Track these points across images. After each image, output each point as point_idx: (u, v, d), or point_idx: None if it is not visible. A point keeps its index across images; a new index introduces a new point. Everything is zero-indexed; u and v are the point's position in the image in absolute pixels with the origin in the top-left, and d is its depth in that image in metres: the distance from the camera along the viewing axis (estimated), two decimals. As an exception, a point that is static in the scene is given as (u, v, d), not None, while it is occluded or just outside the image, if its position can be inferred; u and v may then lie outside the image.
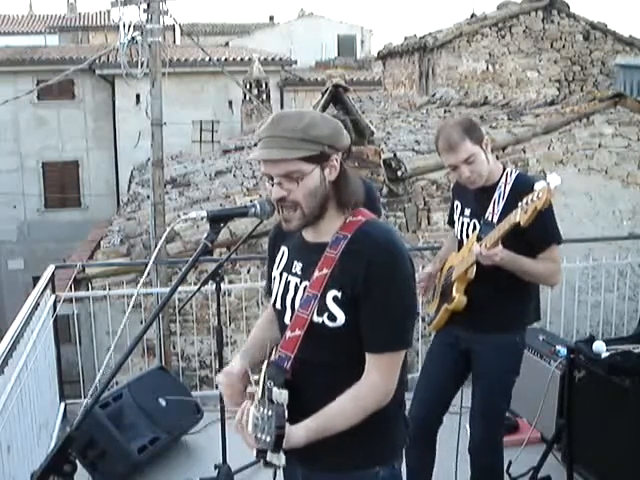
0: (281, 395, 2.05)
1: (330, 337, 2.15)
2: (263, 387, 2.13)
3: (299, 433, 2.05)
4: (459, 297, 3.45)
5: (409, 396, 3.63)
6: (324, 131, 2.12)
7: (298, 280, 2.23)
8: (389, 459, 2.28)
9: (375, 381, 2.12)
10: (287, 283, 2.26)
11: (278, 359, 2.19)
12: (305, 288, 2.19)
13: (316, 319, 2.14)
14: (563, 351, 4.64)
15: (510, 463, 4.23)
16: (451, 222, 3.81)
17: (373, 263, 2.09)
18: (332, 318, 2.13)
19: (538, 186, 3.07)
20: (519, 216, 3.11)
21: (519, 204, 3.12)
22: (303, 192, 2.12)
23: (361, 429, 2.13)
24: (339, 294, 2.12)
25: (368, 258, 2.10)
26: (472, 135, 3.34)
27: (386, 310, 2.10)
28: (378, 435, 2.20)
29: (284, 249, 2.34)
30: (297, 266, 2.25)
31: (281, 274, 2.31)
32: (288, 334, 2.19)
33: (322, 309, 2.14)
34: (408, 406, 3.48)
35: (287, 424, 2.02)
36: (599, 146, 9.48)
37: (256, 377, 2.18)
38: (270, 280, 2.40)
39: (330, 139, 2.12)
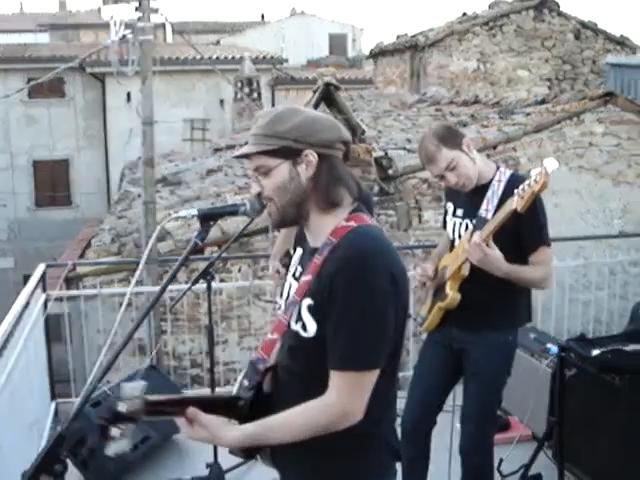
0: (134, 389, 1.96)
1: (302, 347, 2.08)
2: (240, 384, 2.15)
3: (234, 434, 2.03)
4: (453, 294, 3.44)
5: (402, 394, 3.65)
6: (287, 125, 2.08)
7: (296, 284, 2.19)
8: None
9: (329, 400, 2.00)
10: (289, 286, 2.23)
11: (256, 360, 2.18)
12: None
13: (293, 326, 2.10)
14: (554, 349, 4.65)
15: (501, 461, 4.24)
16: (445, 225, 3.79)
17: (339, 273, 1.98)
18: (304, 327, 2.06)
19: (534, 172, 3.06)
20: (515, 203, 3.09)
21: (515, 191, 3.11)
22: (272, 187, 2.10)
23: (324, 446, 2.05)
24: (312, 303, 2.05)
25: (336, 267, 1.99)
26: (448, 141, 3.35)
27: (347, 325, 1.97)
28: (343, 454, 2.10)
29: (300, 251, 2.29)
30: (298, 270, 2.22)
31: (288, 276, 2.29)
32: (268, 336, 2.18)
33: (298, 317, 2.09)
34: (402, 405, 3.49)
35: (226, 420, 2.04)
36: (590, 145, 9.51)
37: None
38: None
39: (296, 132, 2.08)
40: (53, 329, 5.95)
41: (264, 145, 2.09)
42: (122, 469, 4.53)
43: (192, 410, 2.02)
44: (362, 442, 2.10)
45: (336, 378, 2.00)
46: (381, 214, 8.74)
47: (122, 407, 1.91)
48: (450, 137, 3.39)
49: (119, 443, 1.94)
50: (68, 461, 1.97)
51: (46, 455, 1.93)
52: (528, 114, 10.42)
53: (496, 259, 3.24)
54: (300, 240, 2.30)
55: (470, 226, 3.46)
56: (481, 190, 3.42)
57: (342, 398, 1.99)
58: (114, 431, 1.93)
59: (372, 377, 2.01)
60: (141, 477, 4.65)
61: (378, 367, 2.01)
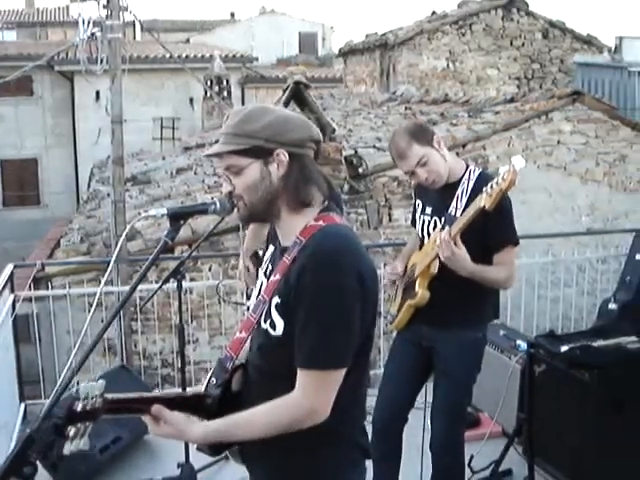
0: (92, 388, 1.95)
1: (271, 345, 2.09)
2: (208, 382, 2.15)
3: (198, 430, 2.05)
4: (422, 292, 3.45)
5: (373, 392, 3.66)
6: (258, 125, 2.07)
7: (267, 283, 2.18)
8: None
9: (294, 398, 2.01)
10: (261, 285, 2.22)
11: (224, 358, 2.17)
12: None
13: (263, 325, 2.10)
14: (523, 346, 4.69)
15: (472, 457, 4.27)
16: (414, 222, 3.80)
17: (305, 272, 1.98)
18: (273, 326, 2.06)
19: (502, 169, 3.09)
20: (484, 200, 3.11)
21: (483, 189, 3.14)
22: (243, 186, 2.09)
23: (289, 444, 2.05)
24: (279, 301, 2.05)
25: (302, 265, 1.99)
26: (419, 137, 3.37)
27: (314, 324, 1.97)
28: (309, 452, 2.10)
29: (271, 248, 2.29)
30: (269, 268, 2.22)
31: (260, 273, 2.29)
32: (236, 334, 2.17)
33: (267, 315, 2.09)
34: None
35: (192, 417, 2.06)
36: (558, 143, 9.60)
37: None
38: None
39: (267, 132, 2.07)
40: (22, 330, 5.90)
41: (234, 145, 2.08)
42: (93, 470, 4.50)
43: (157, 407, 2.02)
44: (328, 440, 2.10)
45: (303, 376, 2.00)
46: (351, 212, 8.76)
47: (77, 406, 1.90)
48: (421, 133, 3.40)
49: (75, 442, 1.93)
50: (38, 463, 1.95)
51: (15, 457, 1.90)
52: (497, 113, 10.49)
53: (463, 259, 3.26)
54: (272, 237, 2.30)
55: (439, 224, 3.48)
56: (451, 188, 3.43)
57: (308, 396, 2.00)
58: (70, 430, 1.92)
59: (338, 376, 2.01)
60: (112, 477, 4.62)
61: (345, 366, 2.01)
